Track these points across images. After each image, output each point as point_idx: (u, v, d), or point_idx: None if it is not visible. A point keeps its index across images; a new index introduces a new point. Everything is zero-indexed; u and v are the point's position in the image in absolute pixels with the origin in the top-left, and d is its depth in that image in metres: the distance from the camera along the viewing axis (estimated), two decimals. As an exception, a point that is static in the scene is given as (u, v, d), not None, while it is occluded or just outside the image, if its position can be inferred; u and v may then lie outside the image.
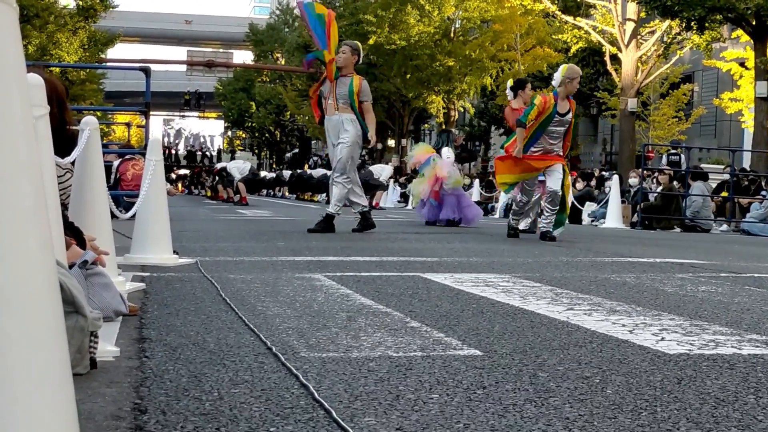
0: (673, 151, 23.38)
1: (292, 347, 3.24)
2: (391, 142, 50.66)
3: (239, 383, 2.66)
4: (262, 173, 38.75)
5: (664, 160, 23.55)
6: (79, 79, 40.33)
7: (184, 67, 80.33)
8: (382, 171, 27.75)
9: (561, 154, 10.66)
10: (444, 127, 38.56)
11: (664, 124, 34.31)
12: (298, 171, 36.90)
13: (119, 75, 73.87)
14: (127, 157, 14.66)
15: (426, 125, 56.56)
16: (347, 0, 46.34)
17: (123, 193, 13.20)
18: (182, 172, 55.09)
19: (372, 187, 26.99)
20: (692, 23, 24.67)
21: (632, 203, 19.18)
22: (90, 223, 4.38)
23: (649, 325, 3.99)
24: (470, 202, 15.11)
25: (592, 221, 19.54)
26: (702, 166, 23.47)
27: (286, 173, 37.71)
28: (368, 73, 42.32)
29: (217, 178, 32.25)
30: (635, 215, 18.48)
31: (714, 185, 20.11)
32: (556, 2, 33.20)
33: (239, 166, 28.57)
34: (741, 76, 31.08)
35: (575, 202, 20.03)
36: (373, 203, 26.56)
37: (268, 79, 66.30)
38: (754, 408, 2.51)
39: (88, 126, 4.49)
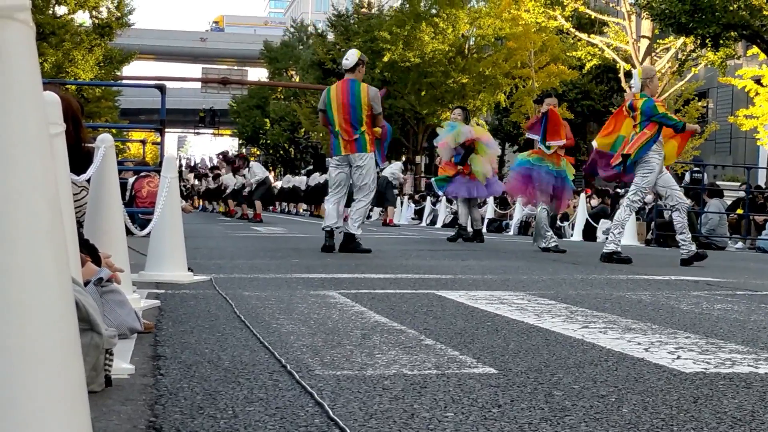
0: (696, 169, 23.33)
1: (307, 365, 3.23)
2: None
3: (254, 401, 2.65)
4: (277, 183, 38.69)
5: (687, 177, 23.49)
6: (95, 97, 40.52)
7: (198, 85, 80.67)
8: (390, 168, 27.26)
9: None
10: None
11: (678, 140, 34.18)
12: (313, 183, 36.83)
13: (134, 92, 74.26)
14: (142, 174, 14.71)
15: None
16: (362, 17, 46.51)
17: (138, 211, 13.24)
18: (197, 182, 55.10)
19: (388, 190, 26.28)
20: (707, 40, 24.60)
21: (647, 220, 19.12)
22: (105, 240, 4.39)
23: (665, 343, 3.96)
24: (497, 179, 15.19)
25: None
26: (717, 183, 23.38)
27: (302, 179, 37.51)
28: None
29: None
30: (650, 233, 18.41)
31: (729, 202, 20.03)
32: (570, 19, 33.21)
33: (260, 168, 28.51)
34: (757, 94, 30.99)
35: (590, 219, 20.00)
36: (387, 220, 26.42)
37: (282, 97, 66.36)
38: (771, 427, 2.49)
39: (104, 143, 4.50)
